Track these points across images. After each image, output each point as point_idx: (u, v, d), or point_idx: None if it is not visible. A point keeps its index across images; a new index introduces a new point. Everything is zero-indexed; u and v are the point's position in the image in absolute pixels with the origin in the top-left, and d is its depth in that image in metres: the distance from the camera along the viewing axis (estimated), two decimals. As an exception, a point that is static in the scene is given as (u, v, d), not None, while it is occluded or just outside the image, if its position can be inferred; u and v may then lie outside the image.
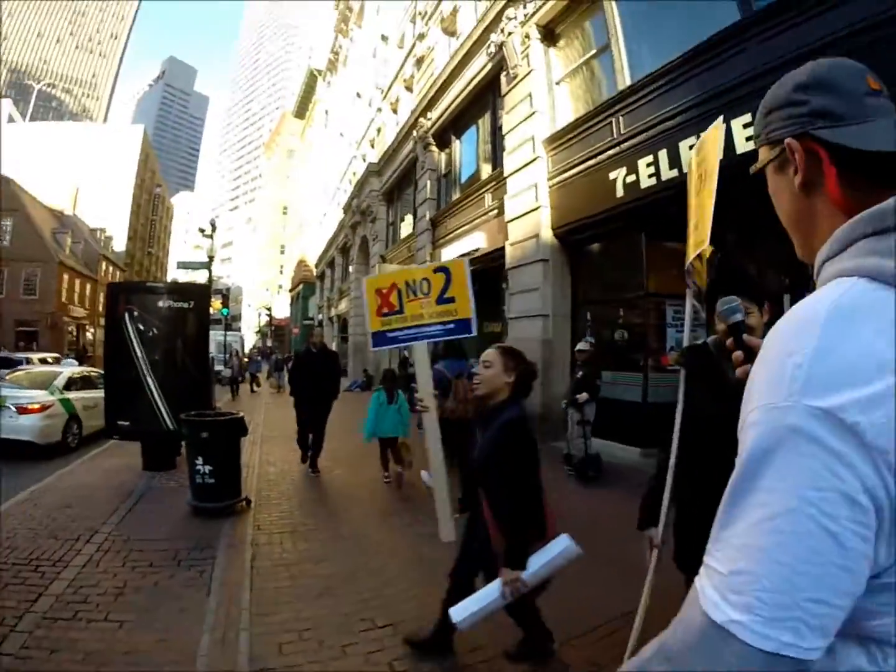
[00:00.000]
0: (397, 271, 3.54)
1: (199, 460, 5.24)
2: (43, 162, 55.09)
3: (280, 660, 2.88)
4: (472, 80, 12.01)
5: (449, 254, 13.19)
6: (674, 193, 5.79)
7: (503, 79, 10.54)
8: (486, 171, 12.16)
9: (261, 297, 69.38)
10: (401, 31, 19.00)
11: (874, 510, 0.53)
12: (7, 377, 9.56)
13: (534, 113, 9.59)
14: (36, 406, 8.38)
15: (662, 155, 6.90)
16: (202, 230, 28.44)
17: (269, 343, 53.06)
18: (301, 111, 51.25)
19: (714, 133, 2.37)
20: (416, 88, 16.56)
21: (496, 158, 11.68)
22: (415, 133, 15.69)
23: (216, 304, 28.28)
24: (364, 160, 23.60)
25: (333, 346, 30.31)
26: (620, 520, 2.94)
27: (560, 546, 2.39)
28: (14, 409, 8.12)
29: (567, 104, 9.61)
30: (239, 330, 62.15)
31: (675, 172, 6.70)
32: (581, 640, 3.06)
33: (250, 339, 63.60)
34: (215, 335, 28.60)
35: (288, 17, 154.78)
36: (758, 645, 0.54)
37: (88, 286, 43.30)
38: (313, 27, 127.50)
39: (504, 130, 10.52)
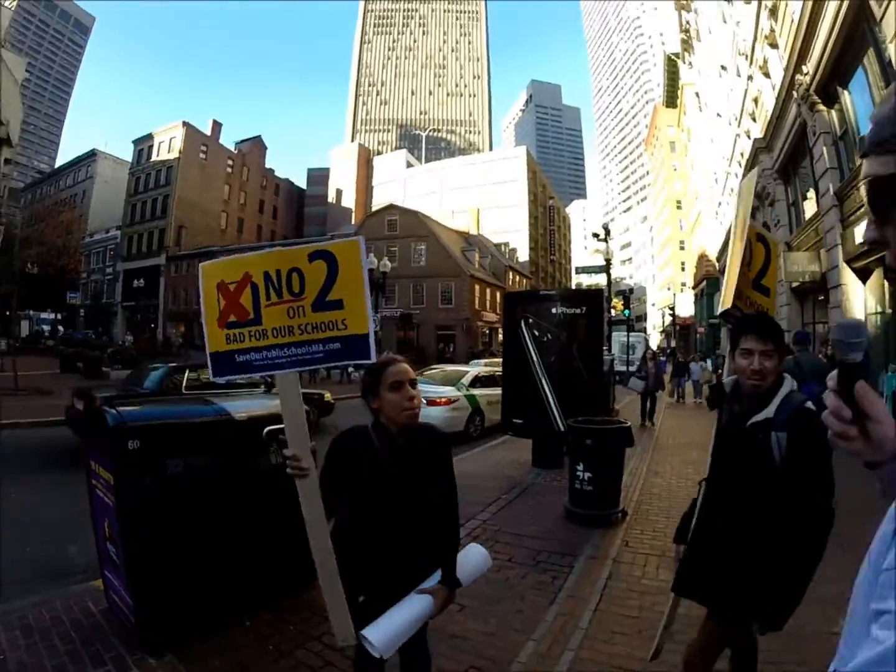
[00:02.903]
0: (252, 256, 2.04)
1: (580, 466, 5.38)
2: (444, 193, 66.66)
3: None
4: (837, 13, 9.27)
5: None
6: None
7: (872, 1, 7.75)
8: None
9: (663, 295, 67.81)
10: (742, -17, 16.08)
11: None
12: (424, 374, 11.49)
13: (926, 32, 6.72)
14: (443, 399, 9.85)
15: None
16: (596, 235, 29.74)
17: (672, 343, 51.37)
18: (671, 100, 48.86)
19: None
20: (780, 43, 13.64)
21: (898, 103, 8.58)
22: (795, 94, 12.88)
23: (618, 305, 28.91)
24: (749, 136, 20.54)
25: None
26: None
27: (480, 556, 2.18)
28: (425, 401, 9.92)
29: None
30: (644, 330, 62.12)
31: None
32: None
33: (655, 339, 62.87)
34: (618, 336, 29.05)
35: (626, 10, 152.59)
36: None
37: (498, 294, 49.19)
38: (655, 13, 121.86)
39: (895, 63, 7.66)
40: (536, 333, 7.46)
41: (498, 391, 10.07)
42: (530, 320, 7.52)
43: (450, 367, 13.53)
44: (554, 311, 7.53)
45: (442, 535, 2.02)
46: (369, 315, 1.95)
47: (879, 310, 11.26)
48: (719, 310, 2.94)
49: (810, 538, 1.92)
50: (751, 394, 2.13)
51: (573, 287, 58.38)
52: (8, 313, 26.82)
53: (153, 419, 3.14)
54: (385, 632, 1.77)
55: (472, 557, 2.17)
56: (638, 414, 12.78)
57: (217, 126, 60.77)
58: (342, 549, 1.91)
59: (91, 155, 64.34)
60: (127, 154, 61.08)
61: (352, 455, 1.94)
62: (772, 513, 1.98)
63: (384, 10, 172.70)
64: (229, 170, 61.55)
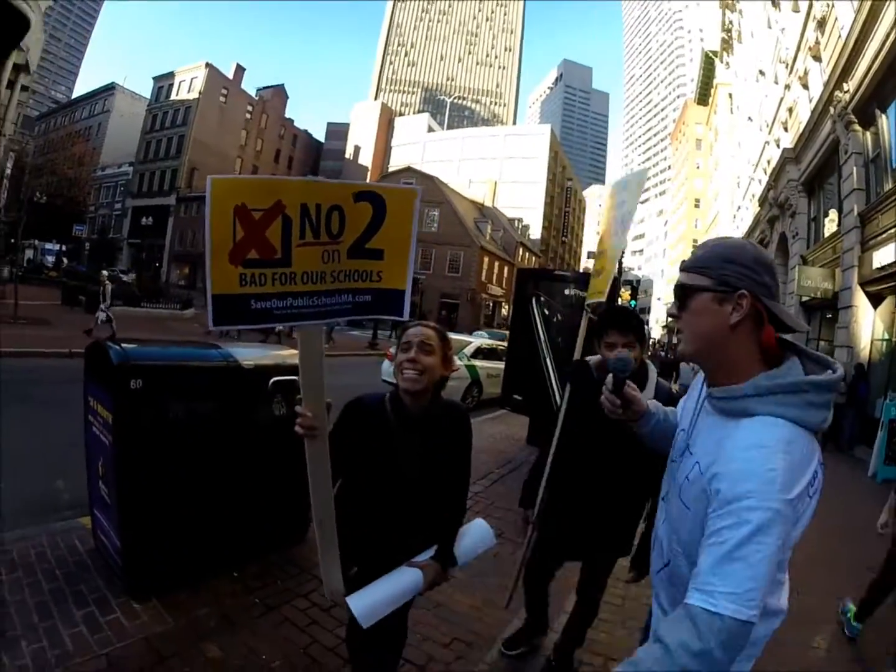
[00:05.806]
0: (287, 181, 1.57)
1: None
2: (463, 162, 65.66)
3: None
4: (887, 35, 9.08)
5: (883, 258, 10.24)
6: None
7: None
8: (924, 152, 8.96)
9: (670, 291, 67.23)
10: (793, -9, 15.69)
11: None
12: None
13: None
14: None
15: None
16: (610, 222, 29.27)
17: (673, 340, 51.42)
18: (703, 97, 48.08)
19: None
20: (824, 57, 13.38)
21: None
22: (831, 110, 12.72)
23: (625, 295, 28.65)
24: (778, 146, 20.44)
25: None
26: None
27: (483, 532, 2.10)
28: None
29: None
30: (647, 324, 61.97)
31: None
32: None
33: (657, 334, 62.82)
34: (622, 326, 28.84)
35: (668, 2, 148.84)
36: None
37: (506, 268, 48.98)
38: (697, 8, 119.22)
39: (943, 99, 7.57)
40: (546, 312, 7.30)
41: (498, 365, 10.07)
42: (542, 298, 7.36)
43: (453, 337, 13.24)
44: (567, 292, 7.29)
45: (446, 513, 1.97)
46: (409, 272, 1.74)
47: (886, 336, 11.31)
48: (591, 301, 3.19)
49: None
50: None
51: (581, 271, 57.95)
52: (13, 241, 26.56)
53: (158, 359, 3.00)
54: (367, 602, 1.74)
55: (473, 533, 2.08)
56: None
57: (240, 71, 59.37)
58: (341, 516, 1.82)
59: (110, 88, 62.97)
60: (146, 90, 59.90)
61: (364, 423, 1.86)
62: (637, 465, 2.28)
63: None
64: (248, 116, 60.16)
